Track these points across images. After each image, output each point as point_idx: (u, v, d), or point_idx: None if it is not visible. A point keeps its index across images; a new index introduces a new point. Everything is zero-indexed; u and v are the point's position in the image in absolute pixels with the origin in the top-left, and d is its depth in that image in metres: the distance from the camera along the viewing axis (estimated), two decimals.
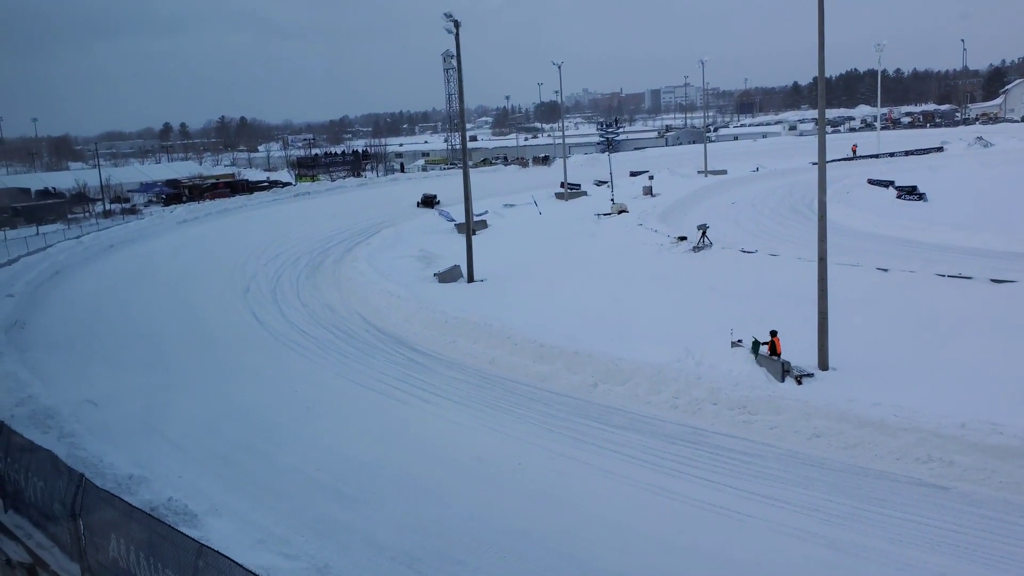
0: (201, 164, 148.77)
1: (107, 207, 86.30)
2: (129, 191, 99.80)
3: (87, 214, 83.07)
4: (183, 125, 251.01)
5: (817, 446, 18.64)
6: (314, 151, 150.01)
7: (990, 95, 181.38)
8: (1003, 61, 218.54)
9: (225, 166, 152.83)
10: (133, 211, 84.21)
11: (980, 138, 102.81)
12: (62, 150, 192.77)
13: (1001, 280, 29.66)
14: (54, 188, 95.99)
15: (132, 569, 12.89)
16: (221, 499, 17.39)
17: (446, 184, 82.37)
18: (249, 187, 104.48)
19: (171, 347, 31.57)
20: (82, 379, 27.08)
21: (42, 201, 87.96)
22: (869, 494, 16.37)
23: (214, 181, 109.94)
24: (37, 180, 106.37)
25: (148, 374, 27.81)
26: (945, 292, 29.68)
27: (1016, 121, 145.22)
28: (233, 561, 11.02)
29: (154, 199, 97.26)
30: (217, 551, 11.47)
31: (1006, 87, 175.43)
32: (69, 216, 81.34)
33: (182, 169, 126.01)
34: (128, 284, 46.08)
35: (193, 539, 12.03)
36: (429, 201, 73.06)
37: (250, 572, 10.74)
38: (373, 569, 14.50)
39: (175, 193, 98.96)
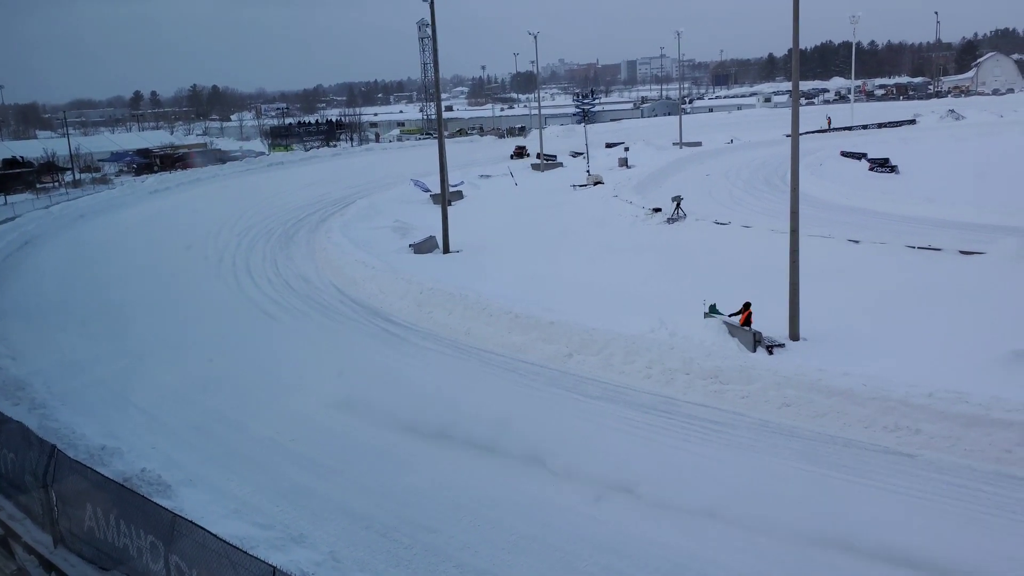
0: (173, 133, 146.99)
1: (77, 176, 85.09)
2: (100, 160, 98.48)
3: (56, 183, 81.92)
4: (154, 93, 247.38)
5: (787, 415, 18.87)
6: (287, 120, 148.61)
7: (963, 68, 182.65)
8: (975, 34, 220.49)
9: (197, 135, 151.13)
10: (104, 181, 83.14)
11: (952, 111, 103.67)
12: (30, 118, 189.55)
13: (970, 252, 30.08)
14: (22, 157, 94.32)
15: (106, 539, 12.90)
16: (195, 470, 17.37)
17: (420, 155, 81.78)
18: (221, 157, 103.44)
19: (143, 318, 31.30)
20: (53, 350, 26.84)
21: (10, 170, 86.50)
22: (837, 462, 16.63)
23: (186, 151, 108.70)
24: (4, 149, 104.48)
25: (120, 345, 27.59)
26: (915, 263, 30.08)
27: (987, 94, 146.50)
28: (207, 531, 11.06)
29: (125, 168, 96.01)
30: (191, 521, 11.50)
31: (978, 60, 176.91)
32: (38, 185, 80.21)
33: (153, 138, 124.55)
34: (99, 254, 45.63)
35: (167, 509, 12.05)
36: None
37: (225, 542, 10.78)
38: (348, 538, 14.58)
39: (146, 163, 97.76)
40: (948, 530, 13.64)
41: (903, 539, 13.14)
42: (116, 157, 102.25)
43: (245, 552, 10.73)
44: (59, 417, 20.23)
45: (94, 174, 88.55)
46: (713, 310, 23.63)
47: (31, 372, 24.19)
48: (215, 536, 10.86)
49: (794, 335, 23.00)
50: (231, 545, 10.78)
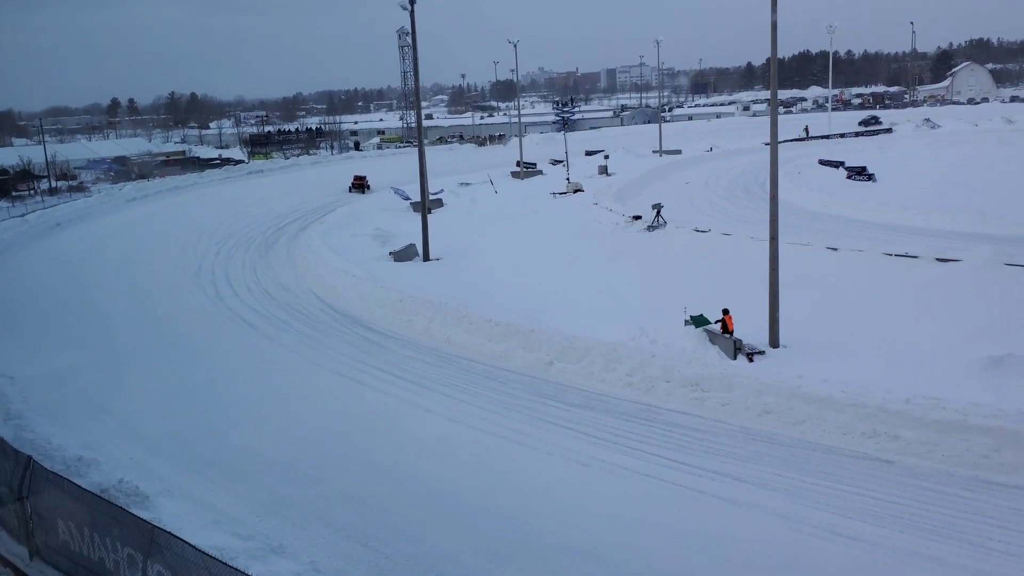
0: (151, 141, 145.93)
1: (53, 184, 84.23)
2: (76, 168, 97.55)
3: (32, 191, 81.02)
4: (131, 101, 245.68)
5: (767, 422, 18.96)
6: (267, 128, 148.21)
7: (938, 77, 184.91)
8: (950, 44, 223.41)
9: (175, 143, 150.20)
10: (80, 188, 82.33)
11: (928, 120, 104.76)
12: (5, 125, 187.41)
13: (946, 259, 30.36)
14: None
15: (83, 551, 12.75)
16: (173, 480, 17.21)
17: (400, 163, 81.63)
18: (200, 164, 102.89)
19: (120, 327, 31.03)
20: (29, 359, 26.54)
21: None
22: (817, 468, 16.72)
23: (164, 158, 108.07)
24: None
25: (97, 354, 27.33)
26: (892, 271, 30.33)
27: (962, 103, 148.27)
28: (186, 542, 10.95)
29: (102, 176, 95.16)
30: (170, 532, 11.40)
31: (953, 70, 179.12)
32: (13, 193, 79.24)
33: (131, 146, 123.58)
34: (76, 263, 45.15)
35: (145, 521, 11.93)
36: None
37: (204, 553, 10.69)
38: (328, 547, 14.48)
39: (124, 170, 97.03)
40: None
41: None
42: (93, 165, 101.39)
43: (225, 563, 10.65)
44: (35, 428, 20.01)
45: (71, 182, 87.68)
46: (699, 321, 23.68)
47: (6, 382, 23.91)
48: (194, 547, 10.76)
49: (774, 342, 23.13)
50: (211, 556, 10.69)
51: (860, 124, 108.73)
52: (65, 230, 57.43)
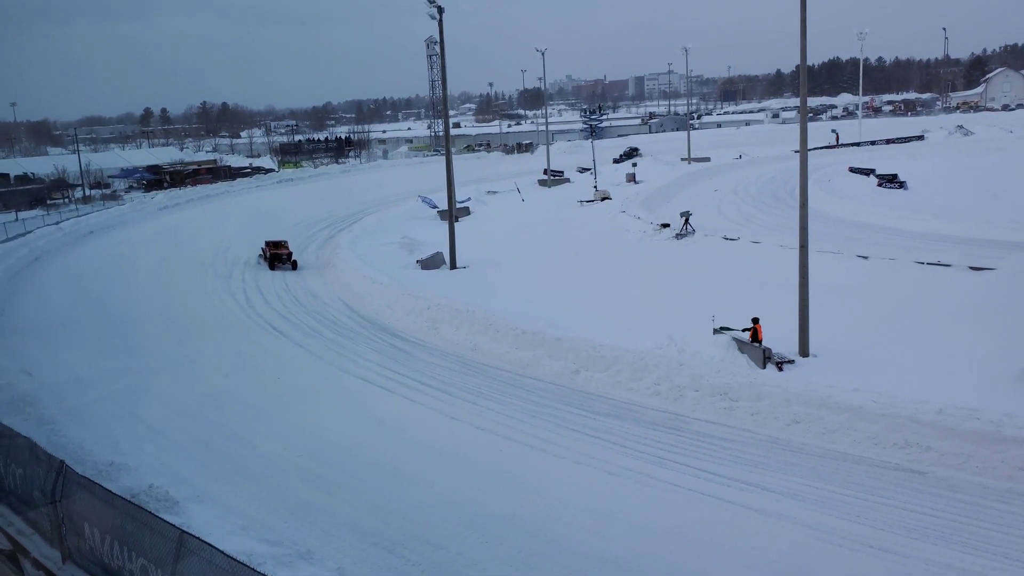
0: (182, 150, 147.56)
1: (87, 193, 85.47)
2: (110, 177, 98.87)
3: (66, 200, 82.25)
4: (164, 110, 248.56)
5: (797, 432, 18.76)
6: (297, 137, 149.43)
7: (971, 84, 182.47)
8: (984, 50, 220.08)
9: (207, 152, 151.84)
10: (113, 197, 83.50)
11: (961, 127, 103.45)
12: (41, 135, 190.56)
13: (980, 268, 29.94)
14: (33, 173, 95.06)
15: (113, 556, 12.87)
16: (202, 486, 17.34)
17: (428, 172, 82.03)
18: (231, 173, 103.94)
19: (151, 333, 31.37)
20: (62, 365, 26.90)
21: (21, 186, 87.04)
22: (847, 479, 16.51)
23: (196, 167, 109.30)
24: (15, 165, 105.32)
25: (129, 360, 27.66)
26: (924, 279, 29.97)
27: (996, 110, 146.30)
28: (215, 548, 11.02)
29: (135, 185, 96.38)
30: (199, 537, 11.47)
31: (987, 76, 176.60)
32: (48, 202, 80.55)
33: (163, 155, 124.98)
34: (108, 270, 45.77)
35: (175, 526, 12.01)
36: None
37: (232, 559, 10.74)
38: (355, 554, 14.51)
39: (156, 179, 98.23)
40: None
41: None
42: (126, 173, 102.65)
43: (253, 569, 10.69)
44: (67, 433, 20.24)
45: (104, 190, 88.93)
46: (726, 331, 23.56)
47: (40, 388, 24.23)
48: (223, 553, 10.82)
49: (804, 351, 22.91)
50: (239, 562, 10.75)
51: (621, 157, 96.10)
52: (98, 238, 58.28)
